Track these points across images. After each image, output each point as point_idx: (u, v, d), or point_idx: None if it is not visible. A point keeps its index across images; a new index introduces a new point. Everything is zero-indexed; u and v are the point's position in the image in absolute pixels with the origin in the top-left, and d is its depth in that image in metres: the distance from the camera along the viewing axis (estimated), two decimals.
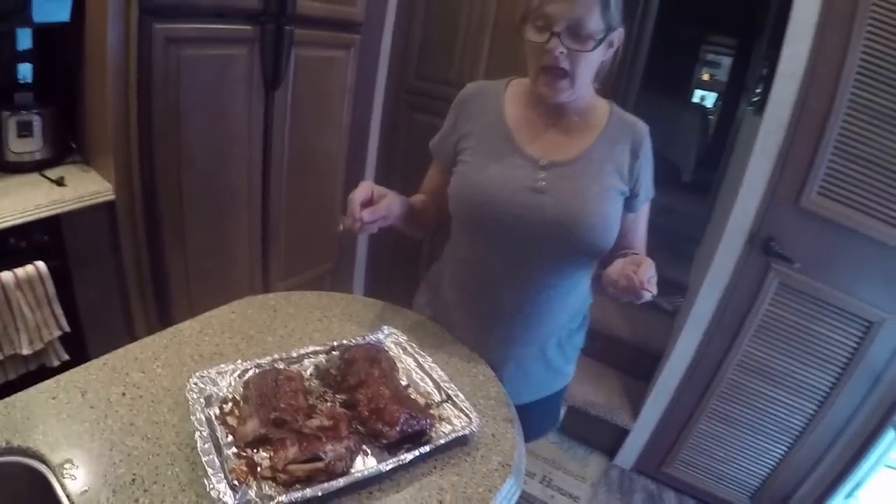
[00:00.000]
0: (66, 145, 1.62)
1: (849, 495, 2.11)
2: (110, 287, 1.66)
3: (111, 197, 1.54)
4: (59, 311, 1.48)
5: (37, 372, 1.49)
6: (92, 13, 1.44)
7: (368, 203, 0.99)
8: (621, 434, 2.52)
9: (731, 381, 2.18)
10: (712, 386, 2.21)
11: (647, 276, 0.89)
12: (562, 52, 0.96)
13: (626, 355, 2.80)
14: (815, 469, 2.17)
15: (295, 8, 1.82)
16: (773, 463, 2.23)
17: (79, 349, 1.57)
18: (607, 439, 2.58)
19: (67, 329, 1.51)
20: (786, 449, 2.19)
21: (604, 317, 2.91)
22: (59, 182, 1.48)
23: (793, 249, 1.94)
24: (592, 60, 1.01)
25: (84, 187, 1.50)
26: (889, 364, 1.95)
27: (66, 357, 1.53)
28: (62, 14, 1.43)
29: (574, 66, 0.98)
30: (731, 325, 2.12)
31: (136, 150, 1.56)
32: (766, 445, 2.21)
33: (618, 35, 1.02)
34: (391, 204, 1.02)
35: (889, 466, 2.10)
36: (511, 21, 2.32)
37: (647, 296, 0.90)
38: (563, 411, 1.39)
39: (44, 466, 0.71)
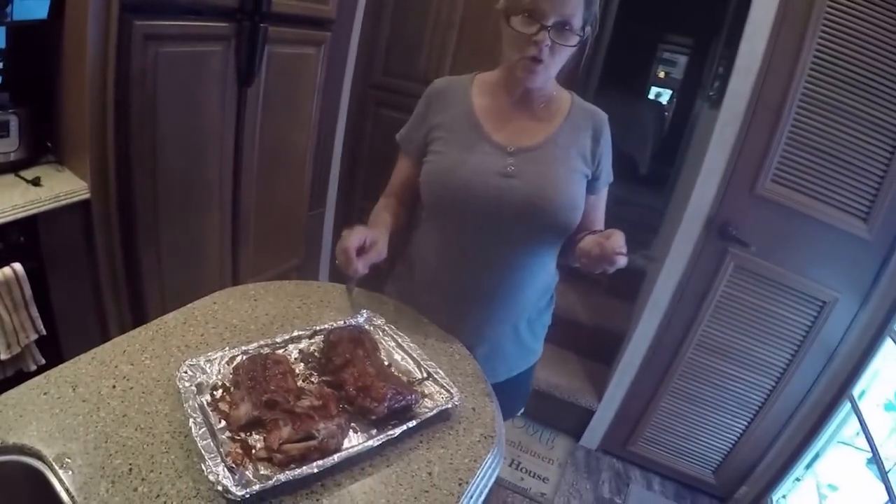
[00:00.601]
0: (42, 145, 1.60)
1: (807, 467, 2.21)
2: (84, 287, 1.65)
3: (86, 195, 1.53)
4: (35, 313, 1.46)
5: (14, 378, 1.46)
6: (72, 11, 1.43)
7: (360, 248, 1.03)
8: (586, 415, 2.60)
9: (691, 360, 2.27)
10: (673, 365, 2.31)
11: (618, 244, 0.96)
12: (547, 45, 1.03)
13: (586, 339, 2.89)
14: (775, 443, 2.29)
15: (270, 6, 1.83)
16: (734, 438, 2.34)
17: (54, 352, 1.55)
18: (572, 421, 2.65)
19: (44, 332, 1.49)
20: (746, 424, 2.30)
21: (564, 302, 2.98)
22: (35, 182, 1.46)
23: (748, 234, 2.04)
24: (566, 55, 1.08)
25: (60, 187, 1.49)
26: (842, 341, 2.07)
27: (42, 361, 1.51)
28: (40, 11, 1.41)
29: (552, 58, 1.06)
30: (690, 307, 2.21)
31: (112, 148, 1.55)
32: (727, 421, 2.32)
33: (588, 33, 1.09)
34: (381, 250, 1.06)
35: (843, 442, 2.20)
36: (478, 17, 2.38)
37: (621, 262, 0.96)
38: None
39: (39, 463, 0.71)
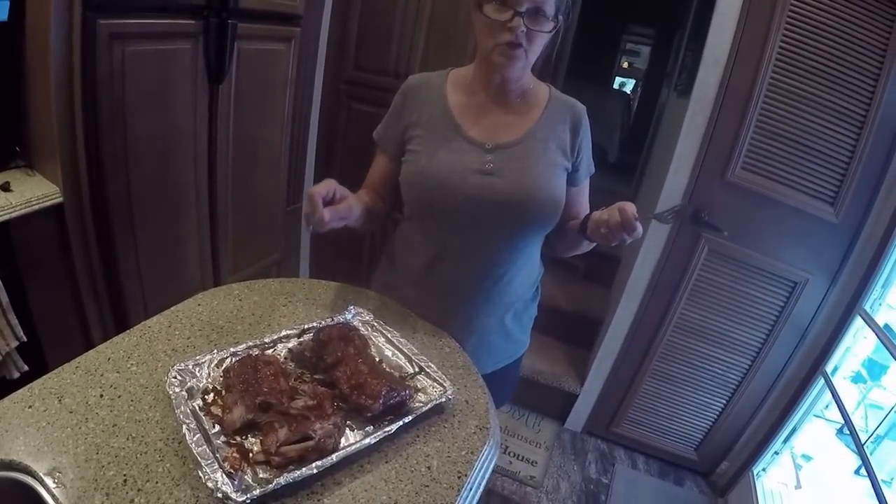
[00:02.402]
0: (10, 149, 1.55)
1: (785, 441, 2.28)
2: (63, 292, 1.62)
3: (59, 199, 1.50)
4: (14, 320, 1.42)
5: None
6: (33, 11, 1.39)
7: (330, 201, 1.01)
8: (570, 399, 2.65)
9: (669, 342, 2.33)
10: (652, 348, 2.36)
11: (634, 210, 0.96)
12: (522, 31, 1.02)
13: (566, 325, 2.93)
14: (753, 419, 2.36)
15: (237, 1, 1.81)
16: (713, 416, 2.41)
17: (37, 359, 1.51)
18: (557, 405, 2.70)
19: (24, 339, 1.46)
20: (725, 402, 2.37)
21: (543, 289, 3.03)
22: (5, 188, 1.42)
23: (721, 219, 2.08)
24: (542, 42, 1.08)
25: (31, 191, 1.45)
26: (813, 319, 2.14)
27: (25, 368, 1.47)
28: (0, 13, 1.36)
29: (529, 45, 1.05)
30: (667, 291, 2.26)
31: (82, 150, 1.52)
32: (706, 400, 2.38)
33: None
34: (352, 206, 1.04)
35: (815, 415, 2.28)
36: (447, 9, 2.37)
37: (639, 229, 0.96)
38: None
39: (30, 479, 0.69)
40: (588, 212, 1.25)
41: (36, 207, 1.45)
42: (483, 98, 1.17)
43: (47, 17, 1.35)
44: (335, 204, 1.01)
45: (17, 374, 1.47)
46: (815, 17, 1.83)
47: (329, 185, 1.01)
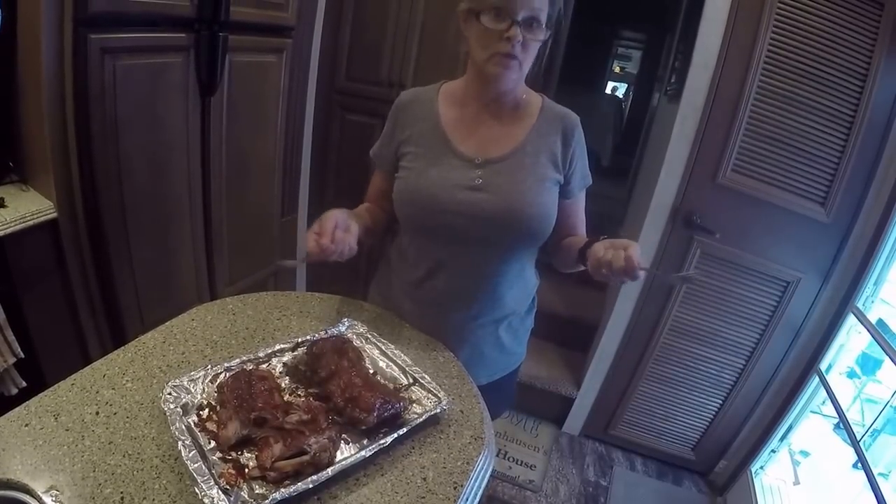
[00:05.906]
0: (4, 165, 1.55)
1: (782, 439, 2.30)
2: (60, 307, 1.61)
3: (53, 215, 1.50)
4: (11, 337, 1.42)
5: None
6: (24, 26, 1.39)
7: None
8: (567, 403, 2.66)
9: (664, 344, 2.34)
10: (648, 350, 2.37)
11: (637, 254, 0.94)
12: (519, 41, 1.02)
13: (562, 329, 2.94)
14: (749, 418, 2.38)
15: (228, 14, 1.80)
16: (710, 416, 2.42)
17: (35, 374, 1.51)
18: (554, 409, 2.71)
19: (22, 355, 1.45)
20: (721, 402, 2.38)
21: (538, 294, 3.03)
22: (0, 203, 1.42)
23: (713, 222, 2.10)
24: (535, 51, 1.07)
25: (25, 207, 1.45)
26: (807, 318, 2.16)
27: (22, 384, 1.47)
28: None
29: (524, 54, 1.05)
30: (661, 293, 2.28)
31: (75, 165, 1.52)
32: (702, 401, 2.40)
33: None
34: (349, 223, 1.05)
35: (812, 411, 2.29)
36: (438, 20, 2.39)
37: (641, 275, 0.95)
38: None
39: (28, 497, 0.69)
40: (583, 224, 1.25)
41: (31, 223, 1.44)
42: (475, 110, 1.16)
43: (38, 33, 1.35)
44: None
45: (15, 391, 1.46)
46: (802, 20, 1.85)
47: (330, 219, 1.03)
